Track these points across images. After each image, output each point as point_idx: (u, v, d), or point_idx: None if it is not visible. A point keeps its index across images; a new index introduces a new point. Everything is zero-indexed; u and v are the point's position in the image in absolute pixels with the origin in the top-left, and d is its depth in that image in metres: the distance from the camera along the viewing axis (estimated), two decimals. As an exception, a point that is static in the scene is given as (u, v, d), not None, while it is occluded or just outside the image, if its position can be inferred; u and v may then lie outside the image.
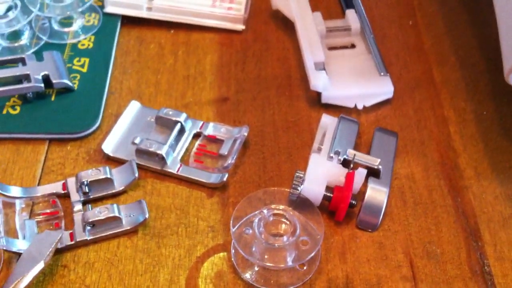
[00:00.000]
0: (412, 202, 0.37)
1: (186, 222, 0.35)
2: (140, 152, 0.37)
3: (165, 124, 0.39)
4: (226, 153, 0.38)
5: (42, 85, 0.40)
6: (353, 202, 0.35)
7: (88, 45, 0.44)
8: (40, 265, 0.31)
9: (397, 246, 0.35)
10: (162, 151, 0.37)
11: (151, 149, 0.37)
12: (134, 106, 0.40)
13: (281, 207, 0.34)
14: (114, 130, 0.39)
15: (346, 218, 0.35)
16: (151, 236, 0.35)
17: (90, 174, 0.36)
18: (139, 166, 0.37)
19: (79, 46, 0.44)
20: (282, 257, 0.33)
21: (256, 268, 0.33)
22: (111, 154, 0.38)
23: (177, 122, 0.38)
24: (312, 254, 0.33)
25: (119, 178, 0.36)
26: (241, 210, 0.35)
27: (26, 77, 0.40)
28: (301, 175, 0.35)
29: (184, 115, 0.39)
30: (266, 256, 0.33)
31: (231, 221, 0.34)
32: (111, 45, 0.44)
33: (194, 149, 0.38)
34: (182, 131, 0.39)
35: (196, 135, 0.39)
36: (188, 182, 0.37)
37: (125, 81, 0.43)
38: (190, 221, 0.35)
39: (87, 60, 0.43)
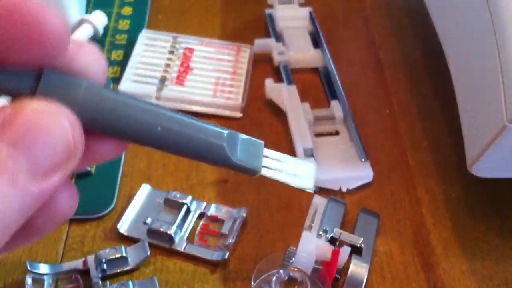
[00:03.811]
0: (390, 278, 0.42)
1: (192, 295, 0.41)
2: (151, 232, 0.42)
3: (173, 206, 0.44)
4: (227, 232, 0.43)
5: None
6: (338, 276, 0.40)
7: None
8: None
9: (377, 316, 0.40)
10: (171, 231, 0.42)
11: (161, 229, 0.42)
12: (145, 189, 0.46)
13: (296, 269, 0.40)
14: (128, 211, 0.44)
15: (332, 291, 0.41)
16: (162, 309, 0.40)
17: (108, 253, 0.41)
18: (150, 244, 0.42)
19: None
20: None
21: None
22: (125, 234, 0.43)
23: (183, 204, 0.44)
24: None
25: (132, 256, 0.41)
26: (261, 269, 0.40)
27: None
28: (293, 250, 0.41)
29: (189, 198, 0.44)
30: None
31: (252, 277, 0.39)
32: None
33: (198, 229, 0.44)
34: (188, 212, 0.44)
35: (200, 215, 0.45)
36: (194, 259, 0.42)
37: (136, 164, 0.48)
38: (195, 294, 0.41)
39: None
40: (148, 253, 0.41)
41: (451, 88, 0.45)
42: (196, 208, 0.45)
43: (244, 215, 0.44)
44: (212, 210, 0.45)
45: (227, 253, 0.42)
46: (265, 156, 0.32)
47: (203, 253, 0.42)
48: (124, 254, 0.41)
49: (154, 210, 0.44)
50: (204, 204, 0.45)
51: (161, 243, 0.42)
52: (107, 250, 0.41)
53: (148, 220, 0.43)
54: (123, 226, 0.43)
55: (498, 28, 0.37)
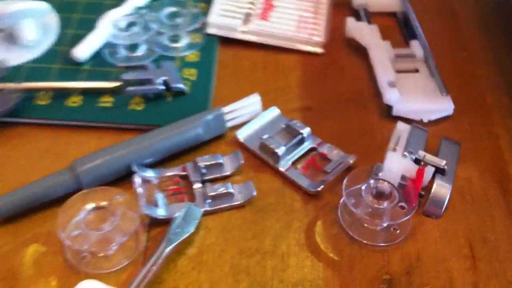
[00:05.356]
0: (470, 199, 0.44)
1: (283, 202, 0.43)
2: (262, 146, 0.45)
3: (291, 132, 0.47)
4: (329, 171, 0.45)
5: (164, 87, 0.48)
6: (422, 193, 0.42)
7: (194, 59, 0.52)
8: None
9: (458, 232, 0.42)
10: (279, 151, 0.45)
11: (271, 146, 0.45)
12: (272, 111, 0.49)
13: (384, 181, 0.42)
14: (251, 124, 0.47)
15: (415, 207, 0.43)
16: (256, 211, 0.43)
17: (206, 159, 0.44)
18: (259, 157, 0.46)
19: (187, 59, 0.52)
20: (381, 219, 0.41)
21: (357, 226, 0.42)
22: (241, 141, 0.46)
23: (300, 133, 0.46)
24: (405, 219, 0.41)
25: (228, 164, 0.45)
26: (351, 180, 0.42)
27: (149, 81, 0.48)
28: (380, 165, 0.43)
29: (308, 130, 0.46)
30: (367, 217, 0.41)
31: (343, 186, 0.42)
32: (213, 59, 0.53)
33: (305, 159, 0.46)
34: (301, 141, 0.46)
35: (312, 149, 0.47)
36: (289, 182, 0.45)
37: (225, 89, 0.51)
38: (286, 202, 0.43)
39: (195, 70, 0.51)
40: (242, 161, 0.44)
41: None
42: (311, 142, 0.47)
43: (351, 162, 0.45)
44: (324, 149, 0.46)
45: (321, 187, 0.43)
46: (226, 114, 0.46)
47: (300, 180, 0.44)
48: (221, 161, 0.44)
49: (273, 130, 0.47)
50: (319, 141, 0.47)
51: (267, 158, 0.45)
52: (206, 156, 0.44)
53: (264, 136, 0.46)
54: (242, 135, 0.47)
55: None
